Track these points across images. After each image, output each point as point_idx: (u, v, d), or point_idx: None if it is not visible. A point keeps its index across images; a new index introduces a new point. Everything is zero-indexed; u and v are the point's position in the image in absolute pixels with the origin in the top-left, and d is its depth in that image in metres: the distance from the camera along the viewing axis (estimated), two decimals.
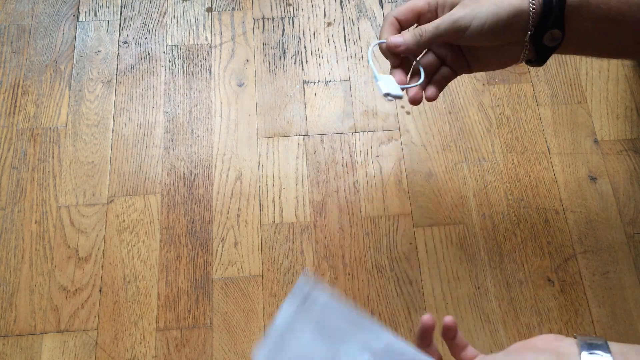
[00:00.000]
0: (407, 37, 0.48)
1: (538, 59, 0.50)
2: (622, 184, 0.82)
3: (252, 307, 0.75)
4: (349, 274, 0.77)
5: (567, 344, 0.35)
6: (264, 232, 0.79)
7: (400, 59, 0.51)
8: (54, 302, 0.75)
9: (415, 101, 0.53)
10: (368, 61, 0.50)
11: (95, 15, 0.95)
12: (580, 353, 0.33)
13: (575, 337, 0.36)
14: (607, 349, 0.33)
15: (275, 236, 0.79)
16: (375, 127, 0.87)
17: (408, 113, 0.88)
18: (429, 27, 0.47)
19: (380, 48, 0.52)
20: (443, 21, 0.46)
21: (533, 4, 0.44)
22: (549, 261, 0.77)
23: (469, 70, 0.54)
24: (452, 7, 0.47)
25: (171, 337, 0.73)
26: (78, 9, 0.95)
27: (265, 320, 0.74)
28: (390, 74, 0.52)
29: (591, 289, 0.75)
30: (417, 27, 0.50)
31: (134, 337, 0.73)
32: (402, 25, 0.50)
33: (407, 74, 0.53)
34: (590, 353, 0.33)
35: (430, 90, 0.53)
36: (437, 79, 0.54)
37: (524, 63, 0.52)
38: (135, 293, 0.75)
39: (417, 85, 0.52)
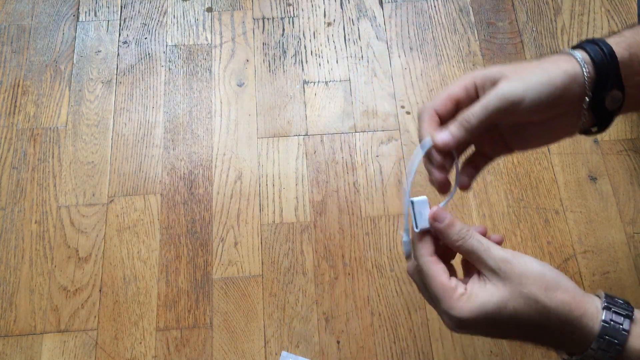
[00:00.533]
0: (453, 129, 0.40)
1: (598, 125, 0.44)
2: (622, 184, 0.82)
3: (252, 307, 0.75)
4: (349, 274, 0.77)
5: (590, 316, 0.36)
6: (264, 232, 0.79)
7: (444, 156, 0.42)
8: (54, 302, 0.75)
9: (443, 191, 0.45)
10: (408, 203, 0.41)
11: (95, 15, 0.95)
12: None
13: (602, 304, 0.37)
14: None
15: (275, 236, 0.79)
16: (375, 127, 0.87)
17: (408, 113, 0.88)
18: (475, 109, 0.40)
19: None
20: (490, 99, 0.39)
21: (586, 68, 0.40)
22: (549, 261, 0.77)
23: (509, 151, 0.46)
24: (493, 84, 0.40)
25: (171, 337, 0.73)
26: (78, 9, 0.95)
27: (265, 320, 0.74)
28: (430, 174, 0.44)
29: (591, 289, 0.75)
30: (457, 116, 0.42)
31: (134, 337, 0.73)
32: (441, 118, 0.43)
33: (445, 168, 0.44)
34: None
35: (464, 180, 0.46)
36: (469, 169, 0.47)
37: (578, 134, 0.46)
38: (135, 293, 0.75)
39: (450, 197, 0.45)
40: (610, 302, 0.36)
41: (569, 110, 0.42)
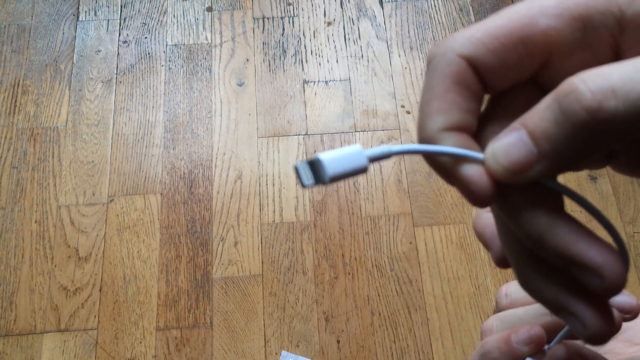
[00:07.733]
0: (541, 126, 0.13)
1: None
2: (622, 184, 0.82)
3: (252, 307, 0.75)
4: (349, 274, 0.77)
5: None
6: (264, 231, 0.79)
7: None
8: (54, 301, 0.75)
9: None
10: None
11: (95, 14, 0.95)
12: None
13: None
14: None
15: (276, 236, 0.79)
16: (375, 126, 0.87)
17: (408, 112, 0.88)
18: (632, 96, 0.11)
19: (451, 175, 0.15)
20: None
21: None
22: None
23: (602, 165, 0.19)
24: None
25: (171, 337, 0.73)
26: (78, 8, 0.95)
27: (265, 319, 0.74)
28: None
29: None
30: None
31: (134, 337, 0.73)
32: (483, 78, 0.15)
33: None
34: None
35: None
36: None
37: None
38: (136, 293, 0.76)
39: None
40: None
41: None
